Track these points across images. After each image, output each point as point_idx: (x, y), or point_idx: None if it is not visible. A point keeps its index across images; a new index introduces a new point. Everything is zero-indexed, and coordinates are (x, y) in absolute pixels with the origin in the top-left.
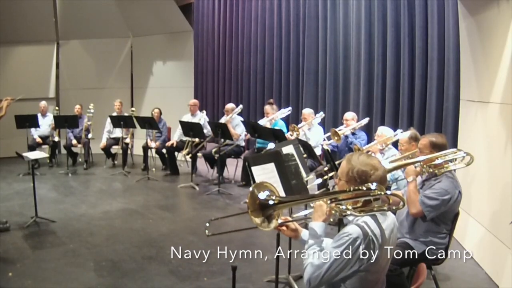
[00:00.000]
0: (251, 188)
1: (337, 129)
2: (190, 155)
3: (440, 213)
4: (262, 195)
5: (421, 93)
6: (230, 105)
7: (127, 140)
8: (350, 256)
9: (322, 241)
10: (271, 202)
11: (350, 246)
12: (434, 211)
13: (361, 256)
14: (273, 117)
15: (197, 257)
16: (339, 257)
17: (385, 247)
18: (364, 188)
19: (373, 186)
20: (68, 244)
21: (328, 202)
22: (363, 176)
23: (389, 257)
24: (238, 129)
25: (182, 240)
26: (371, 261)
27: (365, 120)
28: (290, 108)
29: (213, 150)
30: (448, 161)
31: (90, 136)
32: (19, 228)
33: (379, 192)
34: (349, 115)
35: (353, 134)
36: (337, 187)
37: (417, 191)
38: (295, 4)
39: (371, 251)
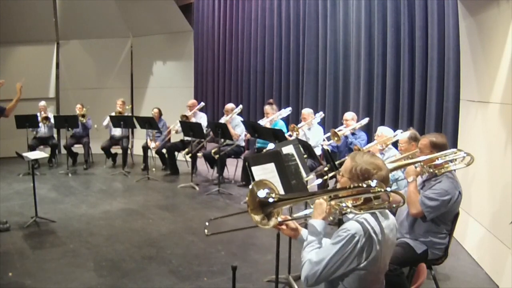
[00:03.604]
0: (250, 186)
1: (336, 130)
2: (190, 155)
3: (440, 213)
4: (262, 193)
5: (421, 93)
6: (230, 105)
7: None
8: (348, 253)
9: (321, 238)
10: (270, 200)
11: (349, 242)
12: (434, 212)
13: (359, 253)
14: (273, 117)
15: (197, 257)
16: (337, 253)
17: (384, 246)
18: (365, 185)
19: (373, 183)
20: (68, 244)
21: (328, 199)
22: (366, 175)
23: (388, 257)
24: (238, 129)
25: (182, 240)
26: (370, 259)
27: (365, 120)
28: (290, 108)
29: (213, 151)
30: (448, 161)
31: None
32: (19, 228)
33: (379, 189)
34: (349, 115)
35: (353, 134)
36: (339, 184)
37: (417, 191)
38: (295, 4)
39: (370, 248)
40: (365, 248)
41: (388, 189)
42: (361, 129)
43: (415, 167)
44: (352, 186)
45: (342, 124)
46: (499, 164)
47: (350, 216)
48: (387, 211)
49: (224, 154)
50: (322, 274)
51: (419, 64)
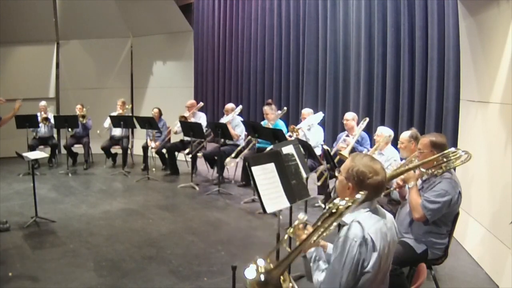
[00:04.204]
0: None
1: (341, 149)
2: (190, 155)
3: (441, 215)
4: (250, 273)
5: (421, 93)
6: (230, 105)
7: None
8: (356, 258)
9: (324, 261)
10: (262, 278)
11: (352, 249)
12: (436, 215)
13: (364, 255)
14: (272, 119)
15: (197, 257)
16: (345, 264)
17: (384, 245)
18: (333, 219)
19: (342, 202)
20: (68, 244)
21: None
22: (361, 177)
23: (390, 256)
24: (238, 129)
25: (182, 240)
26: (374, 260)
27: (365, 123)
28: (285, 108)
29: (227, 161)
30: (447, 161)
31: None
32: (19, 228)
33: (346, 208)
34: (350, 115)
35: (357, 141)
36: (337, 182)
37: (418, 196)
38: (295, 4)
39: (372, 249)
40: (367, 250)
41: (359, 195)
42: (363, 131)
43: (414, 172)
44: (321, 232)
45: (342, 124)
46: (499, 164)
47: (347, 220)
48: (383, 209)
49: (224, 154)
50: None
51: (419, 64)
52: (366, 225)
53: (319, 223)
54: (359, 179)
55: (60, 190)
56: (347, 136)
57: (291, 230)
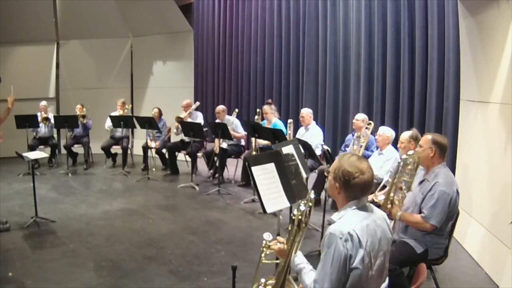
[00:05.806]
0: None
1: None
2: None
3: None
4: None
5: (421, 93)
6: (221, 107)
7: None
8: (343, 255)
9: (305, 261)
10: None
11: (338, 247)
12: (440, 218)
13: (350, 252)
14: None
15: (197, 257)
16: (333, 262)
17: (372, 242)
18: (303, 226)
19: (302, 209)
20: (68, 244)
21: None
22: (347, 177)
23: (383, 253)
24: (240, 131)
25: (182, 240)
26: (360, 257)
27: (370, 128)
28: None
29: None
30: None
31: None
32: (19, 228)
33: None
34: (360, 116)
35: (366, 149)
36: (327, 182)
37: (412, 215)
38: (295, 4)
39: (357, 246)
40: (353, 246)
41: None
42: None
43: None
44: (293, 237)
45: (342, 124)
46: (499, 164)
47: (333, 218)
48: (371, 205)
49: (225, 154)
50: (332, 285)
51: (419, 64)
52: (353, 222)
53: (292, 237)
54: (345, 179)
55: (60, 190)
56: (354, 137)
57: (264, 252)
